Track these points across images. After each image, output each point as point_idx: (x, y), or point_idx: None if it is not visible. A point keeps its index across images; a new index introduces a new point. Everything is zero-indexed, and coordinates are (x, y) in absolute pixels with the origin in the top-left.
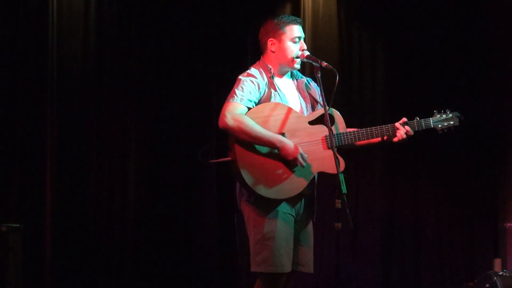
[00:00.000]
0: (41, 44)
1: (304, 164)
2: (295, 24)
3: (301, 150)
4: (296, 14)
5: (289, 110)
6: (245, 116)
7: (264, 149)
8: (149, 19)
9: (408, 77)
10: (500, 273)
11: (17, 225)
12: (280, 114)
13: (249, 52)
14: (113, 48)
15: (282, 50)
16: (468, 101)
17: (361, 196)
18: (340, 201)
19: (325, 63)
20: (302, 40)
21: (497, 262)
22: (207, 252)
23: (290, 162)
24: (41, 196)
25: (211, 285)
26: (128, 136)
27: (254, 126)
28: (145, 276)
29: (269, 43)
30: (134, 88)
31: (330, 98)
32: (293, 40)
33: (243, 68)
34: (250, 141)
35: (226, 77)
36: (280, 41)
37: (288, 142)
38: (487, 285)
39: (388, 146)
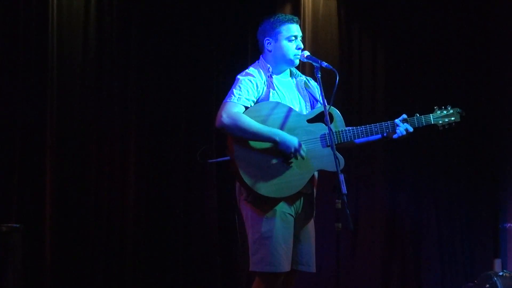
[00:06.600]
0: (41, 44)
1: (304, 155)
2: (291, 23)
3: (301, 143)
4: (296, 14)
5: (287, 108)
6: (242, 114)
7: (263, 148)
8: (149, 19)
9: (408, 76)
10: (500, 273)
11: (17, 225)
12: (278, 113)
13: (249, 52)
14: (113, 48)
15: (279, 49)
16: (467, 100)
17: (361, 196)
18: (340, 201)
19: (325, 63)
20: (299, 39)
21: (497, 263)
22: (207, 252)
23: (290, 156)
24: (41, 196)
25: (211, 285)
26: (128, 136)
27: (250, 122)
28: (145, 276)
29: (266, 42)
30: (134, 88)
31: (331, 98)
32: (289, 39)
33: (243, 67)
34: (247, 138)
35: (226, 77)
36: (276, 40)
37: (286, 135)
38: (487, 285)
39: (388, 145)
